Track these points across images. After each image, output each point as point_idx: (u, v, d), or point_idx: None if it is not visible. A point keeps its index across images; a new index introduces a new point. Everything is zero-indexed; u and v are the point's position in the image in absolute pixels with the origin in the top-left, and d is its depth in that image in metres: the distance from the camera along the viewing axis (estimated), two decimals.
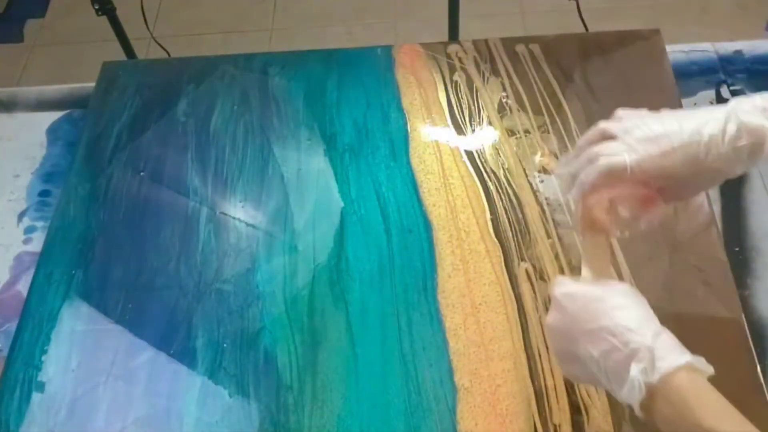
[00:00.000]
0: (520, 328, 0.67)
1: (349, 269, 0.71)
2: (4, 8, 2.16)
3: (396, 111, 0.84)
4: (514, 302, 0.68)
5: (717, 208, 0.76)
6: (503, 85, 0.85)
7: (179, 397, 0.65)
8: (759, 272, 0.72)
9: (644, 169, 0.49)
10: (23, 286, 0.76)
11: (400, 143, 0.81)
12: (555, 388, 0.63)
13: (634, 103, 0.80)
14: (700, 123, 0.48)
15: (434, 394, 0.63)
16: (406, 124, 0.83)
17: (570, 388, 0.63)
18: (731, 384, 0.62)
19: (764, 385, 0.62)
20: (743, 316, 0.66)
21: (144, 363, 0.68)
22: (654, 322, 0.46)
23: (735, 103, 0.49)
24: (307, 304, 0.70)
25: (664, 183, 0.50)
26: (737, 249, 0.73)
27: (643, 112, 0.52)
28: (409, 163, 0.79)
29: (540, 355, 0.65)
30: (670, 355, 0.44)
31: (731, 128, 0.47)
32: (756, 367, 0.62)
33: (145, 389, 0.66)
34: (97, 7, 1.29)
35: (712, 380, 0.62)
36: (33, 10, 2.17)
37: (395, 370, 0.65)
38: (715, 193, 0.77)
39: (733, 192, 0.77)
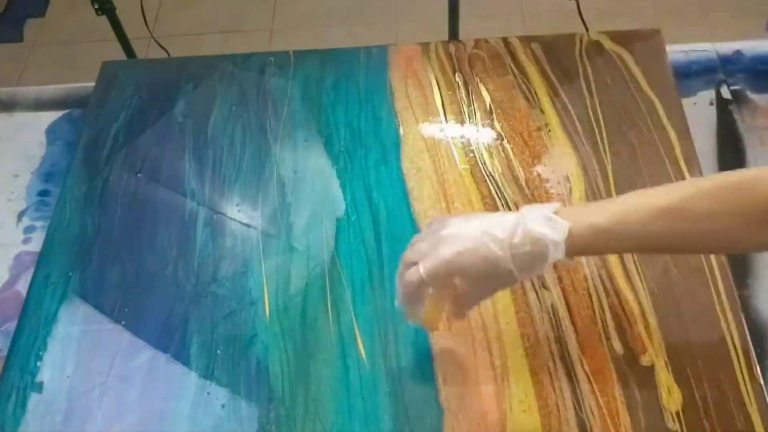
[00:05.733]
0: (505, 347, 0.65)
1: (342, 277, 0.71)
2: (4, 8, 2.16)
3: (388, 113, 0.83)
4: (511, 319, 0.67)
5: None
6: (503, 85, 0.84)
7: (172, 405, 0.65)
8: (759, 272, 0.72)
9: (437, 273, 0.53)
10: (23, 286, 0.76)
11: (391, 147, 0.80)
12: (558, 407, 0.63)
13: (634, 103, 0.81)
14: (493, 225, 0.52)
15: (419, 413, 0.62)
16: (398, 127, 0.82)
17: (577, 405, 0.62)
18: (731, 384, 0.62)
19: (764, 386, 0.62)
20: (743, 316, 0.66)
21: (139, 369, 0.67)
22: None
23: (526, 210, 0.53)
24: (300, 313, 0.69)
25: (462, 280, 0.53)
26: None
27: (449, 217, 0.56)
28: (400, 167, 0.78)
29: (551, 373, 0.63)
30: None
31: (518, 233, 0.51)
32: (756, 367, 0.62)
33: (140, 395, 0.66)
34: (96, 6, 1.29)
35: (712, 379, 0.62)
36: (33, 9, 2.18)
37: (383, 385, 0.64)
38: None
39: None
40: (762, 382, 0.62)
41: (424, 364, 0.65)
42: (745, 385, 0.62)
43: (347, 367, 0.65)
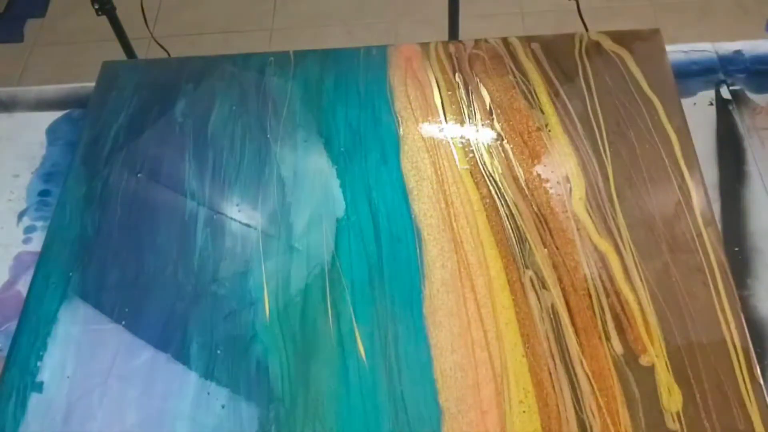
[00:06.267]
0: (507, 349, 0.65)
1: (341, 277, 0.71)
2: (5, 8, 2.16)
3: (387, 113, 0.83)
4: (511, 320, 0.66)
5: (717, 208, 0.76)
6: (503, 85, 0.84)
7: (172, 405, 0.65)
8: (759, 272, 0.72)
9: None
10: (23, 286, 0.76)
11: (391, 147, 0.80)
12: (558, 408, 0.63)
13: (634, 103, 0.81)
14: None
15: (418, 415, 0.62)
16: (398, 127, 0.82)
17: (577, 406, 0.62)
18: (731, 384, 0.62)
19: (764, 386, 0.62)
20: (743, 316, 0.66)
21: (138, 370, 0.67)
22: None
23: None
24: (300, 313, 0.69)
25: None
26: (737, 249, 0.73)
27: None
28: (399, 167, 0.78)
29: (550, 373, 0.63)
30: None
31: None
32: (756, 367, 0.62)
33: (140, 395, 0.66)
34: (97, 6, 1.29)
35: (712, 379, 0.62)
36: (33, 9, 2.18)
37: (383, 386, 0.64)
38: (714, 193, 0.77)
39: (733, 192, 0.77)
40: (762, 382, 0.62)
41: (424, 364, 0.65)
42: (745, 385, 0.62)
43: (347, 368, 0.65)
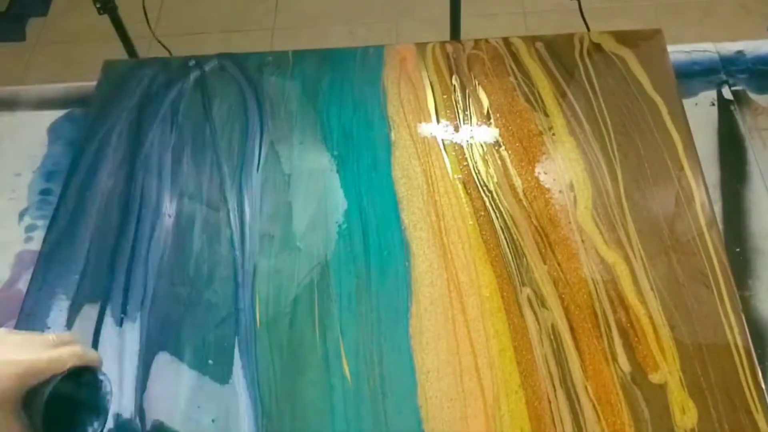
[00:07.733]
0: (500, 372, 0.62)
1: (330, 289, 0.68)
2: (7, 6, 2.17)
3: (379, 116, 0.81)
4: (506, 346, 0.63)
5: (718, 208, 0.76)
6: (503, 87, 0.83)
7: (163, 416, 0.64)
8: (760, 273, 0.71)
9: None
10: (24, 285, 0.76)
11: (382, 153, 0.78)
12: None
13: (637, 104, 0.80)
14: None
15: None
16: (390, 131, 0.79)
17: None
18: (731, 385, 0.61)
19: (764, 387, 0.61)
20: (743, 316, 0.65)
21: (135, 375, 0.66)
22: None
23: None
24: (288, 326, 0.67)
25: None
26: (738, 249, 0.73)
27: None
28: (390, 175, 0.75)
29: (550, 402, 0.60)
30: None
31: None
32: (756, 368, 0.62)
33: (133, 407, 0.65)
34: (98, 5, 1.29)
35: (723, 391, 0.61)
36: (35, 8, 2.18)
37: (367, 408, 0.61)
38: (716, 194, 0.77)
39: (734, 193, 0.77)
40: (762, 383, 0.61)
41: (409, 389, 0.62)
42: (746, 386, 0.61)
43: (332, 387, 0.63)
